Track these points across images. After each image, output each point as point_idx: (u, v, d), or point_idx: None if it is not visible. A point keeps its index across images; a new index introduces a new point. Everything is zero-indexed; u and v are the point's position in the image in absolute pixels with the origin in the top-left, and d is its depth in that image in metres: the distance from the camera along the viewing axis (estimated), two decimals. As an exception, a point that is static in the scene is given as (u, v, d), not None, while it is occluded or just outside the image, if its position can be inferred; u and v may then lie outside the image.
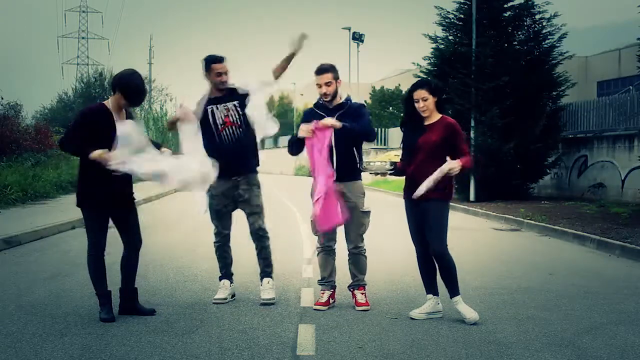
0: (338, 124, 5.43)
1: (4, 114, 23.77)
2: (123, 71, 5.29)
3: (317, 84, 5.64)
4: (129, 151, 5.09)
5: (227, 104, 5.83)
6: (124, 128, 5.13)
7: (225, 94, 5.84)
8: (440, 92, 5.33)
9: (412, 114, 5.31)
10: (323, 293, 5.74)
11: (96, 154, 4.99)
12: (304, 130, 5.50)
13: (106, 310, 5.21)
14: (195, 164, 5.34)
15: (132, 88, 5.16)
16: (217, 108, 5.81)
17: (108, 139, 5.07)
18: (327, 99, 5.64)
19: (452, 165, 5.09)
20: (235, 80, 5.88)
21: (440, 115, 5.31)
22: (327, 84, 5.60)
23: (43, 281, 6.80)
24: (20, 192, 15.45)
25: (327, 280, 5.77)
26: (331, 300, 5.73)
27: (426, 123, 5.28)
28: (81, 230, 10.89)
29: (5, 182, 15.40)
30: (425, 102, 5.20)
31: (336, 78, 5.65)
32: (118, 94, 5.17)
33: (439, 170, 5.08)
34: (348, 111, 5.63)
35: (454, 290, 5.31)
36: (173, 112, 51.42)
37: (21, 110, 27.68)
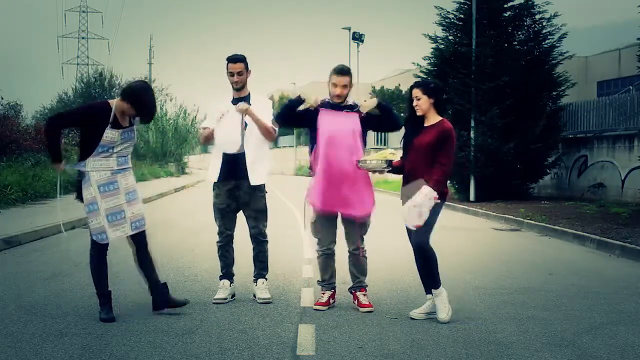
0: (374, 103, 5.52)
1: (4, 114, 23.75)
2: (136, 84, 5.28)
3: (334, 83, 5.57)
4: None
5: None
6: (110, 136, 5.14)
7: (244, 97, 5.87)
8: (437, 94, 5.34)
9: (414, 113, 5.35)
10: (323, 293, 5.74)
11: (59, 167, 5.20)
12: (311, 99, 5.56)
13: (106, 310, 5.20)
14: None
15: (144, 105, 5.16)
16: (233, 104, 5.83)
17: (98, 136, 5.10)
18: (339, 101, 5.62)
19: (429, 194, 5.13)
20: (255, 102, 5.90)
21: (441, 119, 5.33)
22: (344, 86, 5.58)
23: (43, 281, 6.80)
24: (20, 192, 15.44)
25: (328, 282, 5.77)
26: (331, 301, 5.73)
27: (426, 124, 5.32)
28: (80, 230, 10.91)
29: (5, 182, 15.39)
30: (418, 102, 5.28)
31: (351, 83, 5.64)
32: (127, 104, 5.14)
33: (419, 194, 5.14)
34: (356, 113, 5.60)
35: (434, 284, 5.32)
36: (173, 112, 51.26)
37: (21, 110, 27.75)
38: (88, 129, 5.14)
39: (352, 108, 5.62)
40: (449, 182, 20.22)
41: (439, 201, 5.19)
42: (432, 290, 5.34)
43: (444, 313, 5.24)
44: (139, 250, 5.42)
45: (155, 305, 5.41)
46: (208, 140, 5.94)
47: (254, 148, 5.82)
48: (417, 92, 5.29)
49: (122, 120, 5.19)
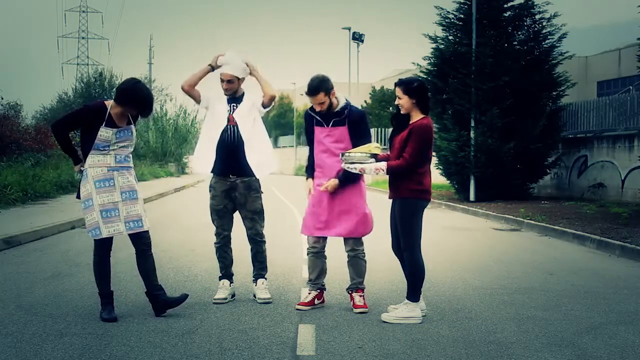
0: (334, 185, 5.52)
1: (4, 114, 23.78)
2: (124, 85, 5.25)
3: (312, 103, 5.59)
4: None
5: (237, 102, 5.86)
6: (104, 134, 5.17)
7: (238, 97, 5.88)
8: (419, 94, 5.18)
9: (400, 110, 5.31)
10: (309, 293, 5.72)
11: (78, 168, 5.29)
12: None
13: (108, 311, 5.21)
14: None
15: (139, 101, 5.18)
16: (228, 103, 5.85)
17: (94, 135, 5.16)
18: (324, 111, 5.59)
19: (379, 166, 5.15)
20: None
21: (421, 117, 5.23)
22: (321, 104, 5.52)
23: (43, 281, 6.79)
24: (20, 192, 15.43)
25: (314, 282, 5.73)
26: (316, 301, 5.68)
27: (410, 122, 5.24)
28: (80, 230, 10.91)
29: (5, 182, 15.38)
30: (399, 101, 5.23)
31: (328, 92, 5.48)
32: (122, 106, 5.17)
33: (369, 167, 5.17)
34: (343, 121, 5.56)
35: (409, 293, 5.28)
36: (173, 112, 51.10)
37: (21, 110, 27.78)
38: (86, 128, 5.20)
39: (341, 115, 5.57)
40: (449, 182, 20.27)
41: (378, 173, 5.18)
42: (406, 299, 5.28)
43: (392, 317, 5.20)
44: (138, 255, 5.40)
45: (156, 310, 5.37)
46: (192, 86, 5.91)
47: (251, 141, 5.82)
48: (398, 91, 5.22)
49: (118, 120, 5.22)
